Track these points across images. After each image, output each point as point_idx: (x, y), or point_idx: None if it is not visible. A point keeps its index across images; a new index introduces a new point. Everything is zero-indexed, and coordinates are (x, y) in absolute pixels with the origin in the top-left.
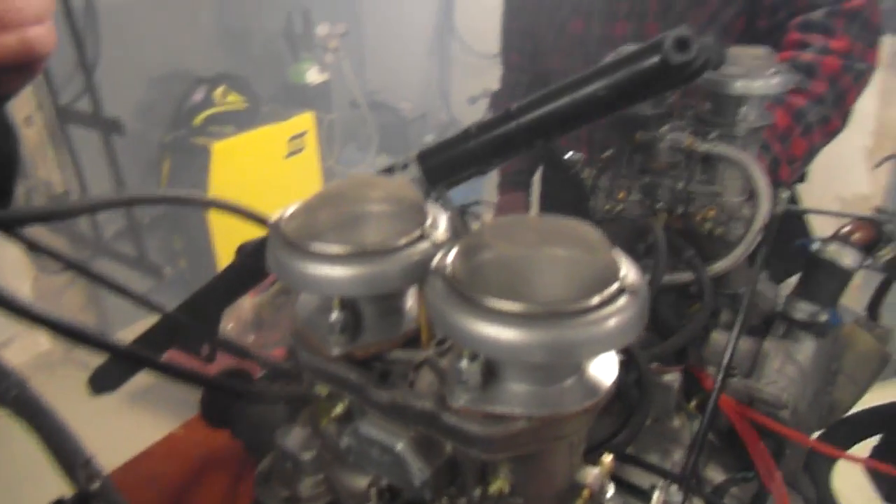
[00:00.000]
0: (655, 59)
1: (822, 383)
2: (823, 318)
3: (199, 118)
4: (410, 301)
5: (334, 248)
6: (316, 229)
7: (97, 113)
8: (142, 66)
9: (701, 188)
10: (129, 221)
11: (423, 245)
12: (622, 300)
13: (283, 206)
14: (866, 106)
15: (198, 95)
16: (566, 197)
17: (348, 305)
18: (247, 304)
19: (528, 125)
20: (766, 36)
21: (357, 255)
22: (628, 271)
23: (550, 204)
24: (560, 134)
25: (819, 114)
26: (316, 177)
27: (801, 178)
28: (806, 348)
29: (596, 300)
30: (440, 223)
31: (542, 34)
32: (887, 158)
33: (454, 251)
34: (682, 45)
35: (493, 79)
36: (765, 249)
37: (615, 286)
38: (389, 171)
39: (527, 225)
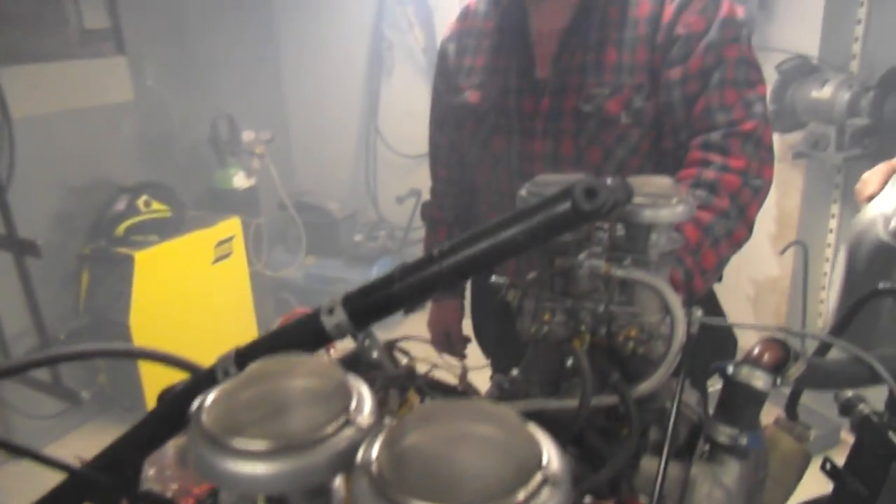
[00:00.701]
0: (566, 206)
1: (751, 497)
2: (743, 441)
3: (122, 228)
4: (338, 482)
5: (257, 444)
6: (237, 422)
7: (11, 235)
8: (60, 176)
9: (621, 310)
10: (42, 339)
11: (349, 432)
12: (545, 493)
13: (211, 313)
14: (769, 196)
15: (120, 205)
16: (494, 316)
17: (274, 498)
18: (170, 444)
19: (451, 268)
20: (670, 154)
21: (281, 450)
22: (550, 458)
23: (480, 316)
24: (481, 273)
25: (725, 227)
26: (244, 281)
27: (719, 279)
28: (731, 471)
29: (521, 496)
30: (365, 404)
31: (467, 149)
32: (790, 245)
33: (378, 444)
34: (590, 194)
35: (418, 178)
36: (686, 363)
37: (538, 477)
38: (315, 314)
39: (449, 413)
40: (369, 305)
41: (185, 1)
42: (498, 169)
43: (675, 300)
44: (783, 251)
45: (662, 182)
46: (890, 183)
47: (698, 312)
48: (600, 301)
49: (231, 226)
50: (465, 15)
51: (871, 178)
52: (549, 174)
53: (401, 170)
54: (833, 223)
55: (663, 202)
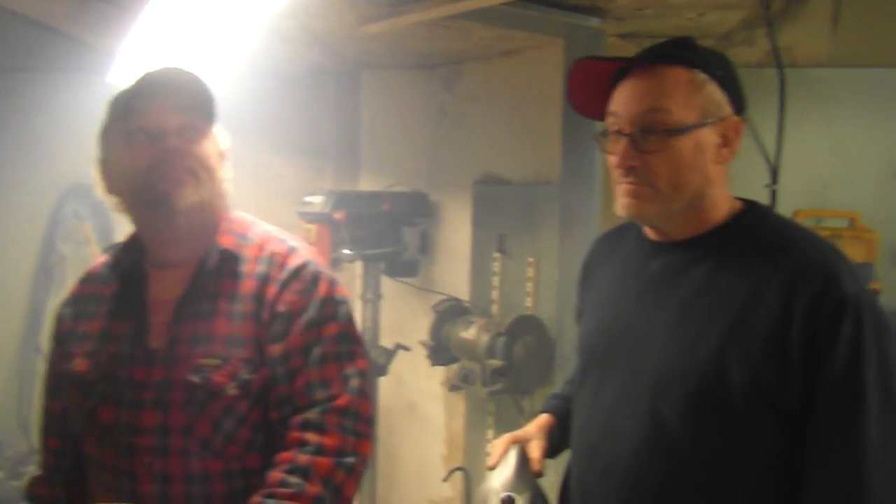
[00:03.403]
0: None
1: None
2: None
3: None
4: None
5: None
6: None
7: None
8: None
9: None
10: None
11: None
12: None
13: None
14: (438, 417)
15: None
16: None
17: None
18: None
19: None
20: (278, 427)
21: None
22: None
23: None
24: None
25: None
26: None
27: None
28: None
29: None
30: None
31: (75, 419)
32: (454, 470)
33: None
34: None
35: None
36: None
37: None
38: None
39: None
40: None
41: None
42: (105, 443)
43: None
44: (446, 478)
45: None
46: (506, 456)
47: None
48: None
49: None
50: (88, 278)
51: (494, 447)
52: None
53: None
54: (490, 447)
55: None
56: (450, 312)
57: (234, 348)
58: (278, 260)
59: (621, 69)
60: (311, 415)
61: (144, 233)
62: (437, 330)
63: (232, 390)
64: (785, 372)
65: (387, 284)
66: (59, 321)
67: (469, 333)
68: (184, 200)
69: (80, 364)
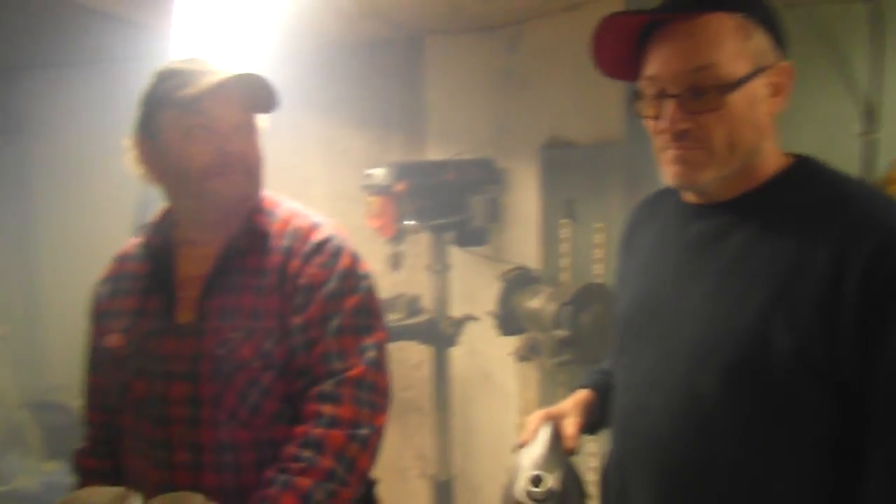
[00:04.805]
0: None
1: None
2: None
3: None
4: None
5: None
6: None
7: None
8: None
9: None
10: None
11: None
12: None
13: None
14: (512, 387)
15: None
16: None
17: None
18: None
19: None
20: (300, 399)
21: None
22: None
23: None
24: None
25: (327, 490)
26: None
27: None
28: None
29: None
30: None
31: (113, 393)
32: None
33: None
34: None
35: None
36: None
37: None
38: None
39: None
40: None
41: None
42: (140, 414)
43: None
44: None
45: (195, 500)
46: (539, 434)
47: None
48: None
49: None
50: (122, 257)
51: (528, 423)
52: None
53: None
54: None
55: None
56: (517, 281)
57: (259, 322)
58: (302, 234)
59: (653, 22)
60: (327, 386)
61: (181, 214)
62: (505, 299)
63: (256, 362)
64: (836, 341)
65: (457, 255)
66: (97, 300)
67: (536, 303)
68: (234, 197)
69: (115, 340)
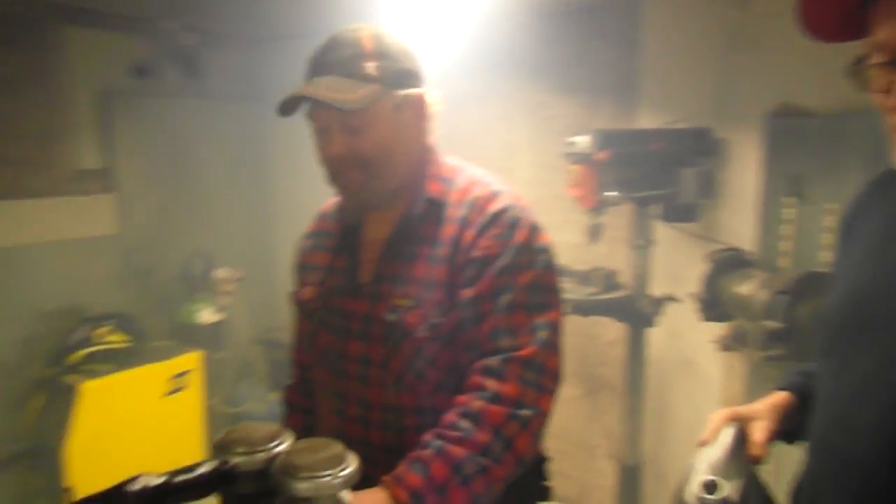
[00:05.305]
0: None
1: None
2: None
3: (76, 356)
4: None
5: None
6: None
7: None
8: (33, 302)
9: None
10: None
11: None
12: None
13: (157, 445)
14: (716, 377)
15: (78, 334)
16: None
17: None
18: None
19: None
20: (466, 369)
21: None
22: None
23: None
24: None
25: (478, 464)
26: (196, 415)
27: None
28: None
29: None
30: None
31: (306, 342)
32: None
33: None
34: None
35: None
36: None
37: None
38: None
39: None
40: None
41: (185, 141)
42: (322, 364)
43: None
44: None
45: (333, 448)
46: (721, 435)
47: None
48: None
49: (190, 360)
50: (322, 215)
51: (710, 421)
52: (247, 427)
53: None
54: None
55: (324, 473)
56: (727, 263)
57: (428, 291)
58: (479, 204)
59: None
60: (493, 361)
61: None
62: (711, 282)
63: (422, 332)
64: None
65: (662, 230)
66: (300, 252)
67: (746, 288)
68: (354, 193)
69: (308, 292)
